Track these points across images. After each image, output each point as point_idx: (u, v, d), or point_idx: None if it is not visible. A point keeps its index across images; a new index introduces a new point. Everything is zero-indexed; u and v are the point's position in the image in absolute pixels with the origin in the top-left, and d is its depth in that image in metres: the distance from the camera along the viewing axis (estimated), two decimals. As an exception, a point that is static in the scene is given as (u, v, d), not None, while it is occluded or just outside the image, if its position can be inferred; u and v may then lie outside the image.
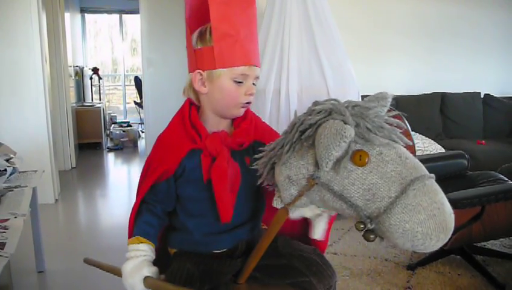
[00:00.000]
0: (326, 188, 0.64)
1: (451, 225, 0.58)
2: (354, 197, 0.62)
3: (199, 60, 0.93)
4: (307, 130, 0.63)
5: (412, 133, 3.16)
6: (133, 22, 7.81)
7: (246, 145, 0.94)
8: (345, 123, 0.59)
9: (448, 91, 4.04)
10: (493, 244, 2.42)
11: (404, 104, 3.86)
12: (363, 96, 2.70)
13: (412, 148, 1.87)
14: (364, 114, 0.61)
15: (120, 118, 7.35)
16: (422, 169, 0.60)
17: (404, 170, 0.59)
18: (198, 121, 0.94)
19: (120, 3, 7.18)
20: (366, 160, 0.60)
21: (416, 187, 0.58)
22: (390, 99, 0.65)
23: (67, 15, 4.69)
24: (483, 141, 3.69)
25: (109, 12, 7.68)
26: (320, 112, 0.63)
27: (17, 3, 2.95)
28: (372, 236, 0.61)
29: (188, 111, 0.97)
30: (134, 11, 6.21)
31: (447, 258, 2.22)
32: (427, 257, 2.22)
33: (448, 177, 2.39)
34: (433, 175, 0.61)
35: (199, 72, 0.93)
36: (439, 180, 2.02)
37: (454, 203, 1.95)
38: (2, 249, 1.10)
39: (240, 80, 0.91)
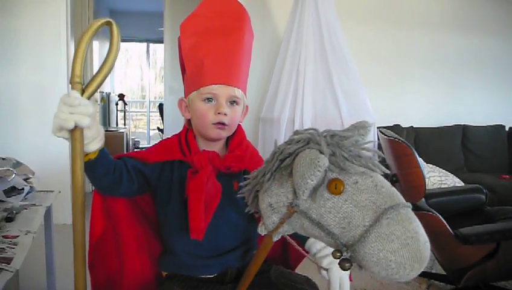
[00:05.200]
0: (304, 216, 0.65)
1: (426, 254, 0.58)
2: (331, 225, 0.63)
3: (185, 89, 1.01)
4: (286, 159, 0.65)
5: (429, 165, 3.11)
6: (162, 50, 8.11)
7: (234, 170, 0.96)
8: (321, 152, 0.61)
9: (471, 124, 3.97)
10: (513, 284, 2.32)
11: (424, 136, 3.81)
12: (379, 127, 2.70)
13: (421, 180, 1.85)
14: (341, 143, 0.62)
15: (144, 144, 7.52)
16: (398, 198, 0.61)
17: (379, 199, 0.60)
18: (193, 139, 0.99)
19: (147, 33, 7.47)
20: (342, 189, 0.61)
21: (390, 216, 0.59)
22: (370, 128, 0.66)
23: (95, 43, 4.93)
24: (508, 176, 3.58)
25: (139, 40, 7.99)
26: (299, 141, 0.65)
27: (47, 30, 3.14)
28: (347, 265, 0.62)
29: (185, 132, 1.02)
30: (161, 41, 6.47)
31: (462, 296, 2.14)
32: (441, 294, 2.14)
33: (465, 212, 2.33)
34: (409, 204, 0.61)
35: (184, 100, 1.00)
36: (454, 215, 1.94)
37: (466, 239, 1.90)
38: (9, 264, 1.14)
39: (210, 98, 0.94)
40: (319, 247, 0.94)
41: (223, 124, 0.95)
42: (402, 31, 3.97)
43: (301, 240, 0.96)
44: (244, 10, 1.02)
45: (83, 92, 0.79)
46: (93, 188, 1.00)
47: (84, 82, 0.80)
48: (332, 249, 0.61)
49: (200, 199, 0.87)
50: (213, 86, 0.94)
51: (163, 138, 1.32)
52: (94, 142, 0.83)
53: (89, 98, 0.79)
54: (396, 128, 3.61)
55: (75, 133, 0.79)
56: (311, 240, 0.96)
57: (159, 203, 1.03)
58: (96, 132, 0.82)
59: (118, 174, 0.92)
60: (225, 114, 0.94)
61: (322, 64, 2.84)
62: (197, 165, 0.92)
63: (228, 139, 1.04)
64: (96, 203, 1.01)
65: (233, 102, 0.97)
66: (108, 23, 0.80)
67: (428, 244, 0.59)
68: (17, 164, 1.96)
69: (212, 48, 0.95)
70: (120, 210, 1.03)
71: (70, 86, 0.79)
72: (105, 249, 1.03)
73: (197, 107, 0.96)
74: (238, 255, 1.00)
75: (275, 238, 0.75)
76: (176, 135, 1.04)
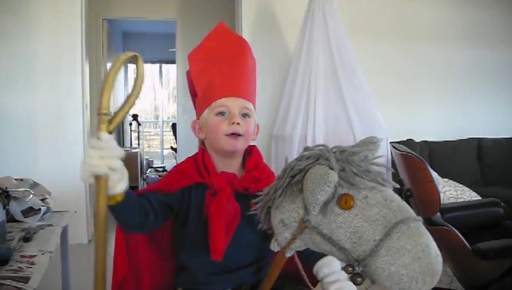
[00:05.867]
0: (316, 232, 0.66)
1: (438, 267, 0.58)
2: (342, 240, 0.63)
3: (197, 111, 1.04)
4: (297, 175, 0.67)
5: (445, 180, 3.07)
6: (174, 71, 8.25)
7: (252, 191, 0.96)
8: (330, 168, 0.62)
9: (486, 137, 3.93)
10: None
11: (438, 150, 3.77)
12: (392, 142, 2.69)
13: (435, 195, 1.83)
14: (350, 159, 0.63)
15: (157, 163, 7.59)
16: (408, 211, 0.61)
17: (389, 213, 0.61)
18: (210, 161, 1.00)
19: (160, 54, 7.61)
20: (352, 203, 0.62)
21: (400, 230, 0.59)
22: (379, 144, 0.67)
23: (109, 65, 5.03)
24: (525, 189, 3.51)
25: (152, 62, 8.15)
26: (309, 157, 0.66)
27: (63, 53, 3.23)
28: (359, 279, 0.62)
29: (201, 153, 1.03)
30: (174, 61, 6.58)
31: (483, 314, 2.08)
32: (461, 312, 2.09)
33: (482, 226, 2.28)
34: (419, 218, 0.61)
35: (196, 122, 1.03)
36: (471, 229, 1.91)
37: (484, 254, 1.86)
38: (26, 283, 1.16)
39: (222, 111, 0.97)
40: (327, 272, 0.93)
41: (237, 134, 0.96)
42: (413, 45, 3.96)
43: (308, 260, 0.97)
44: (244, 41, 1.08)
45: (109, 123, 0.79)
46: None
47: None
48: (339, 275, 0.61)
49: (221, 221, 0.89)
50: (224, 99, 0.97)
51: (177, 162, 1.34)
52: (121, 183, 0.82)
53: (114, 129, 0.80)
54: (409, 142, 3.58)
55: (100, 178, 0.78)
56: (319, 264, 0.96)
57: (176, 225, 1.05)
58: (121, 174, 0.81)
59: (143, 212, 0.93)
60: (238, 123, 0.96)
61: (332, 81, 2.86)
62: (216, 187, 0.94)
63: (245, 160, 1.05)
64: (118, 239, 1.02)
65: (245, 114, 0.99)
66: (135, 57, 0.83)
67: (440, 258, 0.59)
68: (34, 185, 2.00)
69: (219, 69, 1.00)
70: (139, 239, 1.06)
71: (97, 117, 0.79)
72: (126, 278, 1.05)
73: (210, 121, 0.98)
74: (252, 271, 1.00)
75: (288, 255, 0.75)
76: (190, 157, 1.05)
